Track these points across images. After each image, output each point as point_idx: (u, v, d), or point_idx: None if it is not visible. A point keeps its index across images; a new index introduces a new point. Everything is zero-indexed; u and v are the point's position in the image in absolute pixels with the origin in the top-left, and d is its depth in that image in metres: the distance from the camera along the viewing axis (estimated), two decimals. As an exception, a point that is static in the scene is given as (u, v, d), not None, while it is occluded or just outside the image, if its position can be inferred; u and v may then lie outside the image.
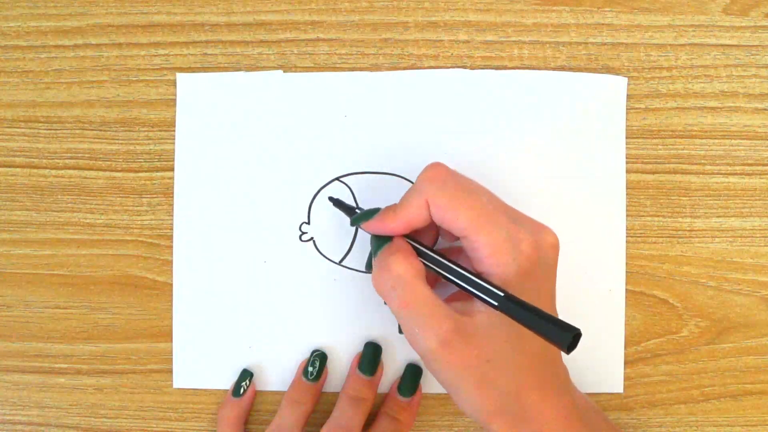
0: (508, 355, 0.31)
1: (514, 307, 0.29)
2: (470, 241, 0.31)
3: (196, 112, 0.39)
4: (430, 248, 0.33)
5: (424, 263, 0.32)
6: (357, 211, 0.35)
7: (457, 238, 0.32)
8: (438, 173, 0.32)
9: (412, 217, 0.32)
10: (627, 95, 0.39)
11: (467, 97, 0.39)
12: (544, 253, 0.32)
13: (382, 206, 0.34)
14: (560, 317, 0.30)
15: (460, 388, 0.31)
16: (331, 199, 0.37)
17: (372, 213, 0.33)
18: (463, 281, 0.31)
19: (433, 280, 0.34)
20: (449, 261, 0.32)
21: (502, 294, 0.29)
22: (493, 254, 0.31)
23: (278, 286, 0.39)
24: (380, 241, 0.33)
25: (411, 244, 0.33)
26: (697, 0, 0.39)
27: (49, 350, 0.40)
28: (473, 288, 0.30)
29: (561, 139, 0.39)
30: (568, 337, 0.27)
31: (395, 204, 0.33)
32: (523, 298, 0.29)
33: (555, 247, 0.32)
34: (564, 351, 0.27)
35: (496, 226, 0.31)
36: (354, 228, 0.39)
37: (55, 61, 0.40)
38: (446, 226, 0.32)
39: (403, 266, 0.31)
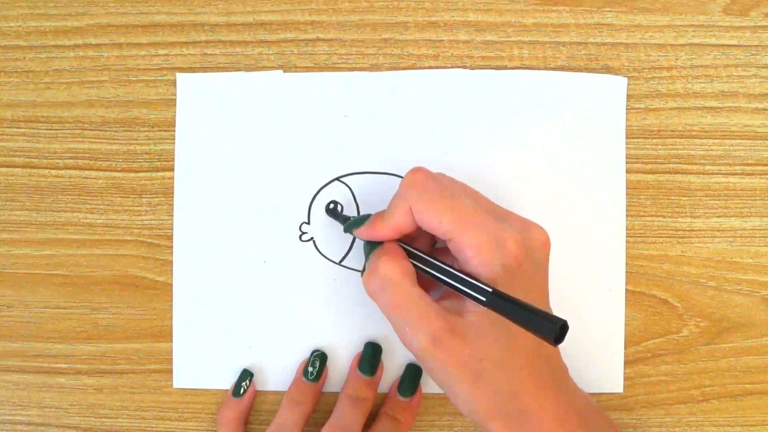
0: (501, 353, 0.31)
1: (501, 302, 0.29)
2: (455, 243, 0.31)
3: (196, 112, 0.39)
4: (420, 250, 0.33)
5: (414, 265, 0.32)
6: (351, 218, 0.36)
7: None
8: (418, 178, 0.32)
9: (399, 223, 0.32)
10: (627, 95, 0.39)
11: (467, 97, 0.39)
12: (532, 250, 0.32)
13: (383, 206, 0.34)
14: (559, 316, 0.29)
15: (454, 387, 0.31)
16: (327, 211, 0.38)
17: (363, 220, 0.34)
18: (452, 280, 0.31)
19: (432, 284, 0.34)
20: (439, 261, 0.32)
21: (490, 290, 0.29)
22: (477, 254, 0.31)
23: (278, 286, 0.39)
24: (372, 246, 0.34)
25: (402, 247, 0.33)
26: (697, 0, 0.39)
27: (49, 350, 0.40)
28: (462, 285, 0.30)
29: (561, 139, 0.39)
30: (553, 328, 0.26)
31: (384, 210, 0.33)
32: (512, 295, 0.29)
33: (545, 244, 0.32)
34: (551, 343, 0.26)
35: (478, 226, 0.31)
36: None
37: (55, 61, 0.40)
38: (430, 230, 0.32)
39: (391, 267, 0.31)
